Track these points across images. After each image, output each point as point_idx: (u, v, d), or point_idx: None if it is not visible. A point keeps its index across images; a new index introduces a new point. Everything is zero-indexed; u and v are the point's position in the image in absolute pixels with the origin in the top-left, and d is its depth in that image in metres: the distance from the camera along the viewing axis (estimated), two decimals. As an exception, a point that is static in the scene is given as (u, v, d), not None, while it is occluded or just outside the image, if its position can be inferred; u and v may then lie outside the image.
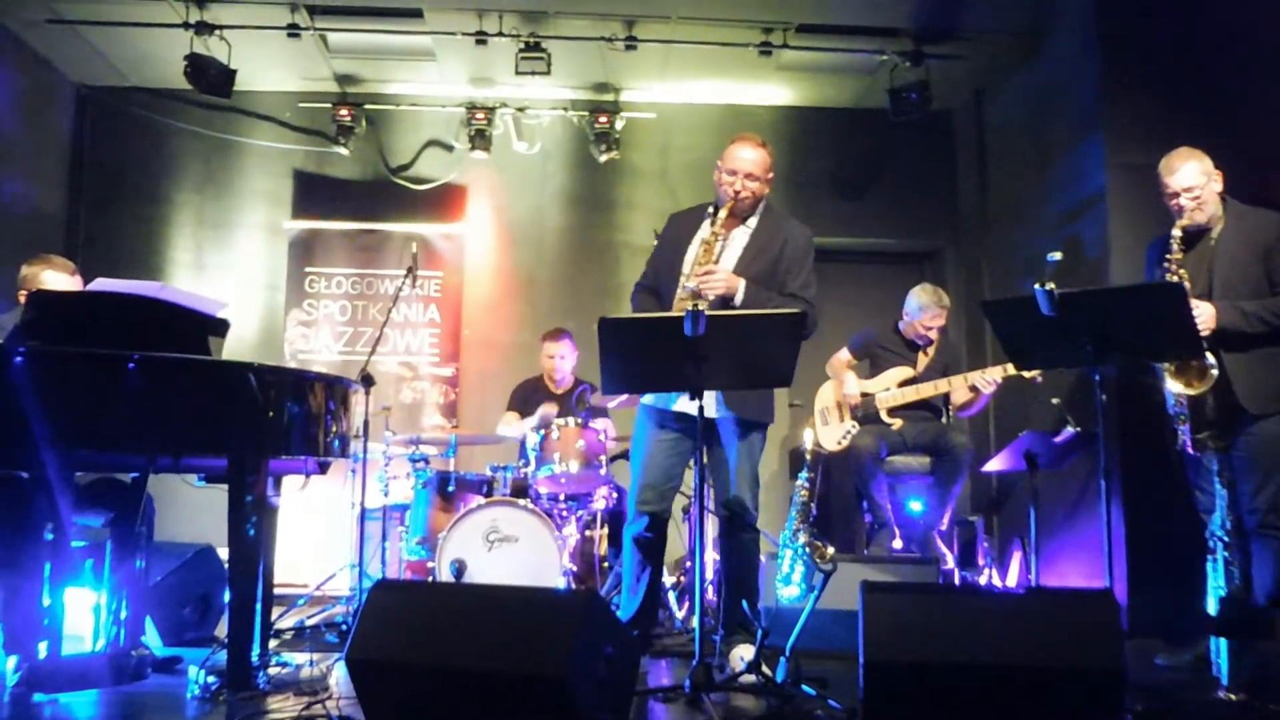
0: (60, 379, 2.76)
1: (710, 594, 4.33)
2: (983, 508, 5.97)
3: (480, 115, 6.33)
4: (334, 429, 3.33)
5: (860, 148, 6.66)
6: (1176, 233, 3.57)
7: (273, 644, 3.58)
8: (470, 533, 4.45)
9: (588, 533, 4.88)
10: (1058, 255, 3.42)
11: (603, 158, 6.42)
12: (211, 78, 5.74)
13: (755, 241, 3.55)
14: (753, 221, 3.58)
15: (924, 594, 2.66)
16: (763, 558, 3.82)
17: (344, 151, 6.42)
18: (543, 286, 6.59)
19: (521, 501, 4.56)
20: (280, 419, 3.04)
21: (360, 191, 6.57)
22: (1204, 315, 3.36)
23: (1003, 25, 5.65)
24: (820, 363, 5.09)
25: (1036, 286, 2.91)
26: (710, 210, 3.57)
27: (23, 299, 3.67)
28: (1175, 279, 3.47)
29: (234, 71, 5.79)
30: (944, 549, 4.74)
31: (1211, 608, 3.21)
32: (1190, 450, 3.52)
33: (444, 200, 6.58)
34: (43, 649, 2.87)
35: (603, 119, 6.35)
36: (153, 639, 3.67)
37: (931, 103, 5.99)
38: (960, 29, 5.74)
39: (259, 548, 3.05)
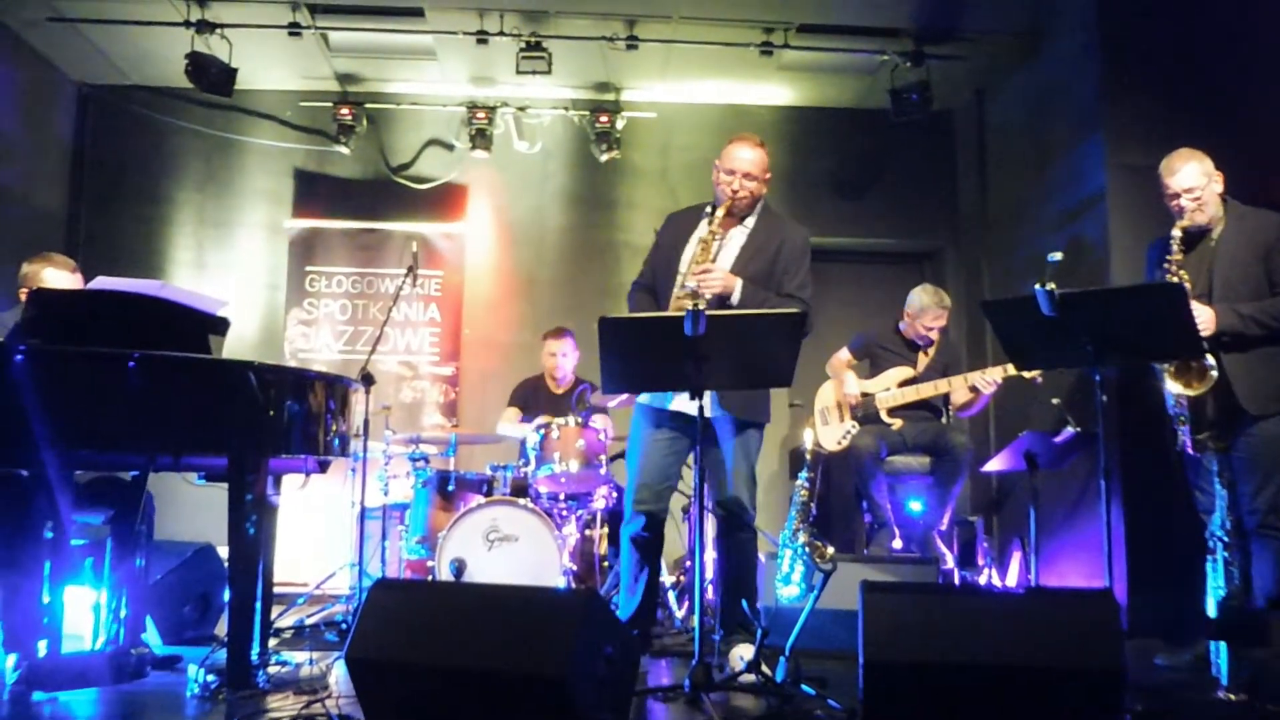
0: (60, 377, 2.76)
1: (710, 593, 4.32)
2: (983, 508, 5.97)
3: (481, 114, 6.33)
4: (334, 428, 3.33)
5: (861, 148, 6.66)
6: (1176, 233, 3.57)
7: (272, 643, 3.57)
8: (470, 532, 4.45)
9: (587, 532, 4.88)
10: (1058, 255, 3.42)
11: (603, 157, 6.42)
12: (212, 76, 5.74)
13: (753, 241, 3.55)
14: (750, 221, 3.58)
15: (924, 594, 2.66)
16: (762, 557, 3.82)
17: (345, 150, 6.42)
18: (543, 286, 6.59)
19: (521, 501, 4.56)
20: (280, 418, 3.04)
21: (361, 190, 6.57)
22: (1203, 318, 3.36)
23: (1003, 25, 5.65)
24: (820, 363, 5.09)
25: (1037, 287, 2.91)
26: (708, 210, 3.57)
27: (23, 297, 3.67)
28: (1175, 280, 3.47)
29: (235, 70, 5.79)
30: (944, 549, 4.74)
31: (1210, 611, 3.21)
32: (1190, 451, 3.52)
33: (445, 199, 6.58)
34: (42, 647, 2.87)
35: (603, 118, 6.36)
36: (152, 637, 3.67)
37: (932, 103, 5.99)
38: (961, 29, 5.74)
39: (259, 546, 3.05)
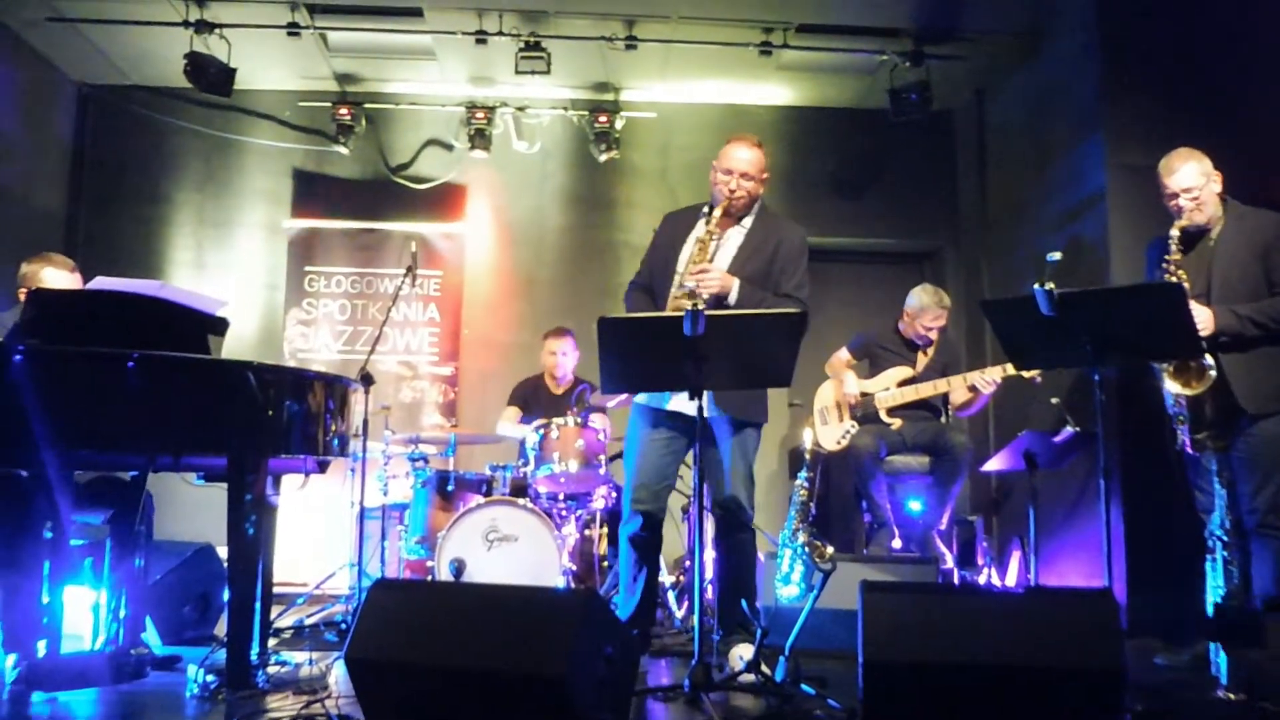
0: (60, 378, 2.76)
1: (710, 593, 4.32)
2: (982, 507, 5.97)
3: (480, 114, 6.32)
4: (333, 428, 3.33)
5: (860, 148, 6.66)
6: (1174, 233, 3.56)
7: (272, 643, 3.57)
8: (469, 532, 4.45)
9: (587, 532, 4.87)
10: (1057, 255, 3.42)
11: (603, 157, 6.42)
12: (211, 76, 5.74)
13: (750, 241, 3.55)
14: (747, 221, 3.58)
15: (923, 594, 2.65)
16: (761, 557, 3.82)
17: (344, 150, 6.42)
18: (542, 286, 6.59)
19: (521, 501, 4.55)
20: (280, 418, 3.03)
21: (360, 190, 6.57)
22: (1202, 318, 3.35)
23: (1003, 25, 5.65)
24: (820, 362, 5.09)
25: (1036, 286, 2.91)
26: (705, 210, 3.57)
27: (22, 297, 3.66)
28: (1174, 280, 3.47)
29: (234, 70, 5.79)
30: (943, 549, 4.74)
31: (1208, 612, 3.21)
32: (1189, 450, 3.52)
33: (444, 199, 6.58)
34: (42, 647, 2.87)
35: (603, 118, 6.35)
36: (152, 637, 3.67)
37: (932, 103, 5.99)
38: (960, 29, 5.74)
39: (258, 546, 3.05)
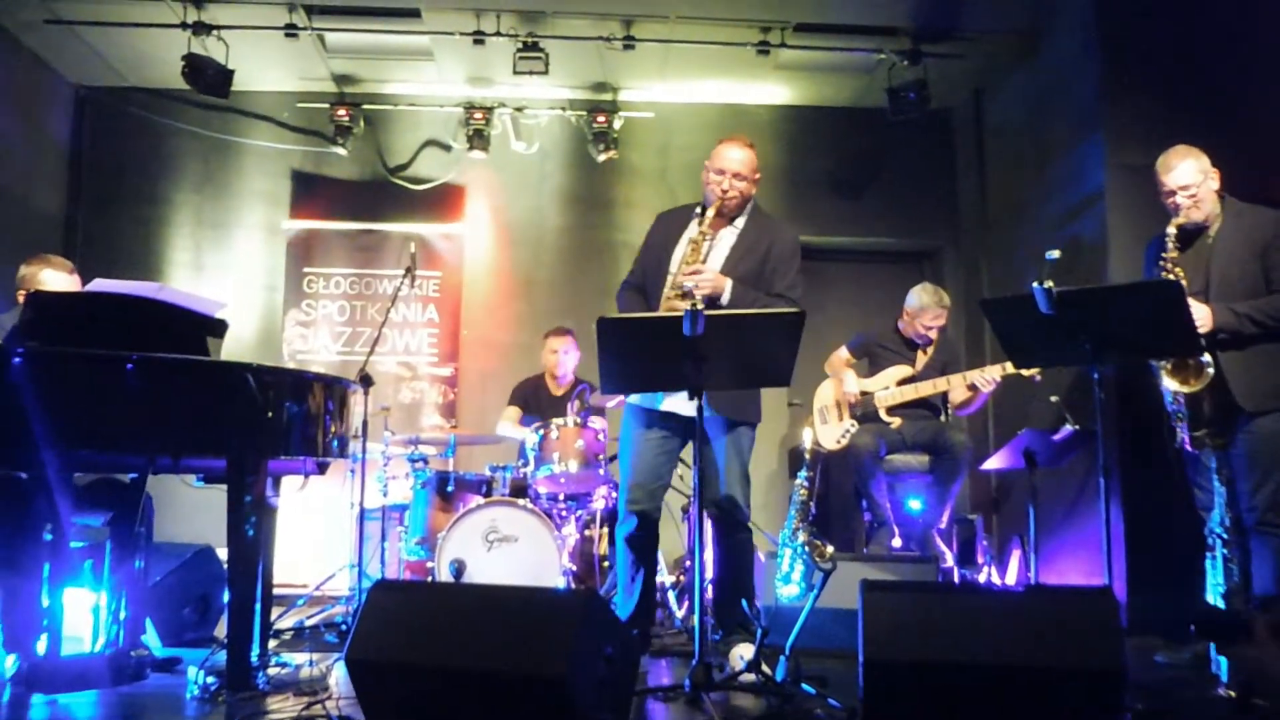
0: (59, 379, 2.76)
1: (710, 593, 4.32)
2: (982, 506, 5.97)
3: (478, 115, 6.33)
4: (333, 429, 3.33)
5: (859, 147, 6.66)
6: (1171, 230, 3.56)
7: (272, 644, 3.57)
8: (469, 533, 4.45)
9: (587, 532, 4.87)
10: (1055, 253, 3.41)
11: (601, 157, 6.42)
12: (209, 78, 5.74)
13: (742, 241, 3.55)
14: (740, 222, 3.58)
15: (923, 593, 2.66)
16: (761, 556, 3.82)
17: (342, 151, 6.42)
18: (541, 286, 6.59)
19: (521, 501, 4.55)
20: (279, 419, 3.03)
21: (358, 191, 6.57)
22: (1200, 316, 3.35)
23: (1002, 25, 5.65)
24: (819, 362, 5.09)
25: (1035, 285, 2.91)
26: (698, 210, 3.57)
27: (21, 299, 3.66)
28: (1172, 277, 3.47)
29: (232, 71, 5.79)
30: (943, 547, 4.74)
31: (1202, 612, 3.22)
32: (1189, 448, 3.52)
33: (442, 200, 6.58)
34: (42, 649, 2.87)
35: (601, 118, 6.35)
36: (152, 639, 3.67)
37: (930, 102, 5.99)
38: (959, 28, 5.74)
39: (258, 548, 3.05)
